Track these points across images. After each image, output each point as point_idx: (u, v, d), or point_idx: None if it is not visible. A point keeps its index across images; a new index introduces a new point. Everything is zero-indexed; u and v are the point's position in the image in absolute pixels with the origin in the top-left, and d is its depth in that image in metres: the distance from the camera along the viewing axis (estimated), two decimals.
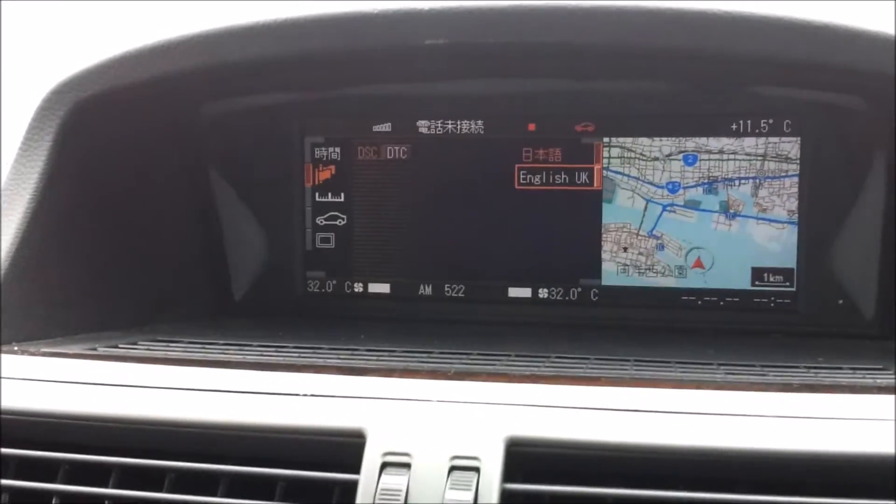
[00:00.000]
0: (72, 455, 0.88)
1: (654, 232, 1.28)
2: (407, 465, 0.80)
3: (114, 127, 1.15)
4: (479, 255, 1.33)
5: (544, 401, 0.85)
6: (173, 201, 1.30)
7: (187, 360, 1.01)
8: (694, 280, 1.28)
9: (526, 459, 0.81)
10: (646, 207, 1.28)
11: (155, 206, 1.26)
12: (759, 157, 1.25)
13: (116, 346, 1.08)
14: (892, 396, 0.84)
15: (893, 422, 0.79)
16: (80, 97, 1.08)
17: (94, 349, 1.05)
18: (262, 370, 0.95)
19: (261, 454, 0.85)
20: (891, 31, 0.97)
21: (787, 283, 1.25)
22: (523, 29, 1.01)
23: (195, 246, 1.34)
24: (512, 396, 0.86)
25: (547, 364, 1.00)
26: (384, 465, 0.81)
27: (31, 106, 1.10)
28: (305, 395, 0.88)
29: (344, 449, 0.83)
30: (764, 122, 1.24)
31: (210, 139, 1.32)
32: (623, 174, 1.28)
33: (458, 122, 1.32)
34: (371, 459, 0.81)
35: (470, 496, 0.78)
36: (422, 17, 1.02)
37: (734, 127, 1.25)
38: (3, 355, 0.99)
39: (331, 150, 1.35)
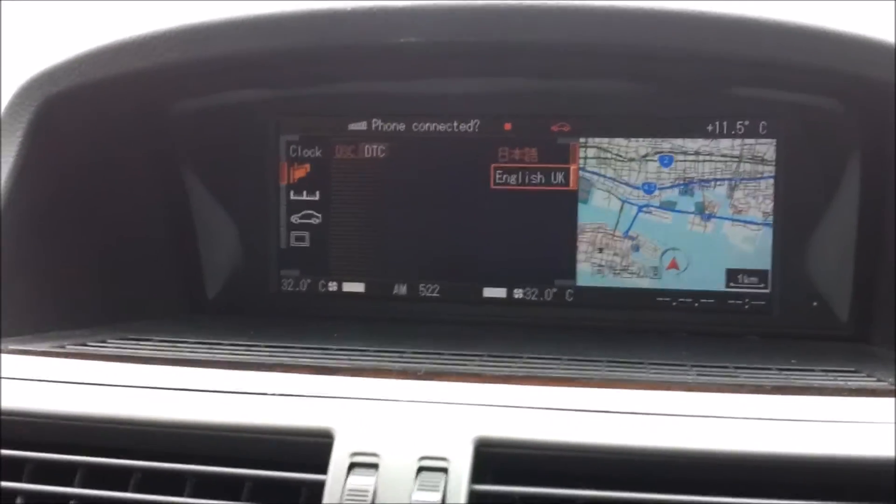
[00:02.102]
0: (36, 454, 0.87)
1: (630, 233, 1.28)
2: (374, 466, 0.80)
3: (85, 123, 1.14)
4: (454, 254, 1.33)
5: (514, 401, 0.84)
6: (145, 198, 1.29)
7: (156, 358, 1.01)
8: (669, 281, 1.28)
9: (495, 460, 0.81)
10: (621, 208, 1.28)
11: (127, 203, 1.25)
12: (735, 159, 1.24)
13: (85, 344, 1.07)
14: (864, 399, 0.84)
15: (864, 424, 0.79)
16: (50, 92, 1.07)
17: (62, 347, 1.04)
18: (231, 369, 0.95)
19: (228, 454, 0.85)
20: (867, 33, 0.97)
21: (762, 285, 1.25)
22: (498, 27, 1.01)
23: (167, 243, 1.33)
24: (482, 397, 0.85)
25: (519, 364, 1.00)
26: (352, 466, 0.80)
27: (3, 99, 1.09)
28: (273, 394, 0.87)
29: (312, 449, 0.82)
30: (740, 124, 1.24)
31: (183, 136, 1.31)
32: (599, 174, 1.28)
33: (435, 122, 1.31)
34: (338, 459, 0.81)
35: (438, 497, 0.77)
36: (397, 14, 1.01)
37: (710, 128, 1.25)
38: None
39: (306, 148, 1.34)
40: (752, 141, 1.24)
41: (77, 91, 1.08)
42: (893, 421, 0.79)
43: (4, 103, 1.09)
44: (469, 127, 1.31)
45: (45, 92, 1.08)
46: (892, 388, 0.91)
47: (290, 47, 1.06)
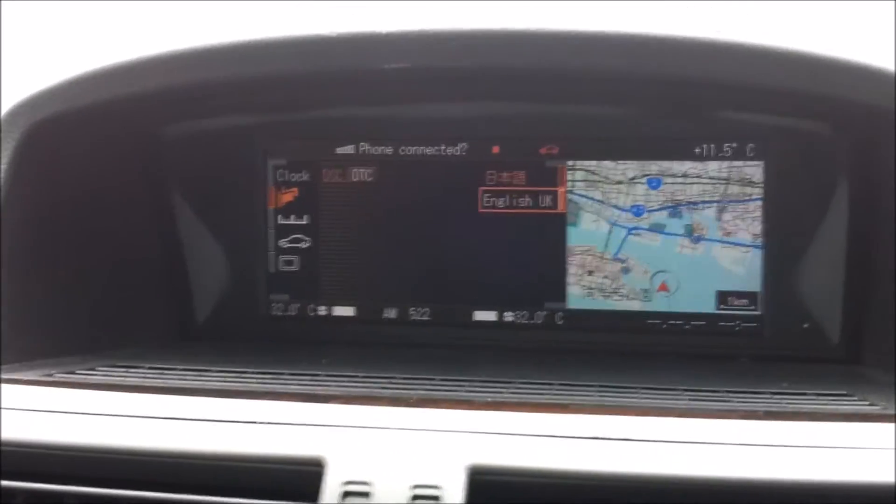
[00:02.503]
0: (27, 484, 0.86)
1: (619, 255, 1.28)
2: (367, 494, 0.79)
3: (71, 149, 1.14)
4: (443, 278, 1.32)
5: (507, 428, 0.84)
6: (133, 224, 1.28)
7: (145, 386, 1.00)
8: (659, 303, 1.27)
9: (488, 488, 0.80)
10: (610, 231, 1.28)
11: (114, 228, 1.25)
12: (723, 181, 1.25)
13: (73, 372, 1.06)
14: (856, 424, 0.84)
15: (857, 450, 0.79)
16: (34, 119, 1.07)
17: (51, 375, 1.04)
18: (221, 397, 0.94)
19: (219, 483, 0.84)
20: (854, 58, 0.97)
21: (752, 307, 1.25)
22: (485, 53, 1.01)
23: (156, 269, 1.33)
24: (474, 424, 0.85)
25: (510, 390, 1.00)
26: (344, 494, 0.79)
27: None
28: (264, 422, 0.87)
29: (303, 477, 0.82)
30: (727, 146, 1.24)
31: (171, 161, 1.31)
32: (587, 197, 1.28)
33: (422, 145, 1.31)
34: (331, 488, 0.80)
35: None
36: (382, 41, 1.01)
37: (698, 151, 1.25)
38: None
39: (294, 172, 1.34)
40: (739, 163, 1.24)
41: (63, 117, 1.08)
42: (893, 446, 0.79)
43: None
44: (457, 150, 1.31)
45: (30, 119, 1.07)
46: (887, 412, 0.90)
47: (277, 73, 1.06)
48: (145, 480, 0.85)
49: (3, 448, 0.88)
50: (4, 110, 1.08)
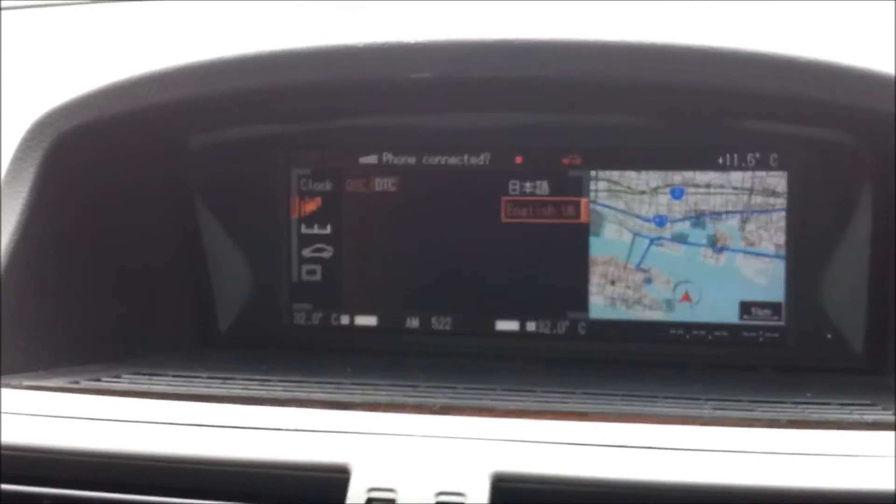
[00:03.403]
0: (53, 490, 0.87)
1: (642, 265, 1.28)
2: (392, 501, 0.80)
3: (98, 158, 1.14)
4: (466, 287, 1.33)
5: (530, 436, 0.84)
6: (158, 232, 1.29)
7: (170, 393, 1.01)
8: (682, 314, 1.27)
9: (512, 495, 0.80)
10: (633, 241, 1.28)
11: (139, 237, 1.26)
12: (746, 191, 1.24)
13: (99, 380, 1.07)
14: (880, 433, 0.84)
15: (881, 458, 0.79)
16: (63, 129, 1.08)
17: (77, 382, 1.04)
18: (246, 404, 0.94)
19: (244, 489, 0.85)
20: (879, 67, 0.97)
21: (776, 317, 1.25)
22: (508, 63, 1.01)
23: (180, 277, 1.33)
24: (498, 431, 0.85)
25: (533, 399, 1.00)
26: (369, 501, 0.80)
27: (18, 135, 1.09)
28: (289, 429, 0.87)
29: (328, 484, 0.82)
30: (751, 157, 1.24)
31: (196, 170, 1.32)
32: (610, 207, 1.28)
33: (445, 155, 1.31)
34: (355, 495, 0.80)
35: None
36: (408, 50, 1.02)
37: (721, 161, 1.25)
38: None
39: (317, 181, 1.35)
40: (763, 173, 1.24)
41: (90, 127, 1.09)
42: None
43: (18, 136, 1.09)
44: (480, 160, 1.31)
45: (57, 129, 1.08)
46: None
47: (303, 83, 1.07)
48: (171, 487, 0.86)
49: (29, 454, 0.89)
50: (34, 119, 1.09)
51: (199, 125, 1.26)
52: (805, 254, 1.23)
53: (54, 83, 1.12)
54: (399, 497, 0.79)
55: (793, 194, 1.23)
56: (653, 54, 1.00)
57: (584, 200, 1.28)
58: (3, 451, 0.89)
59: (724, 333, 1.26)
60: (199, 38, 1.11)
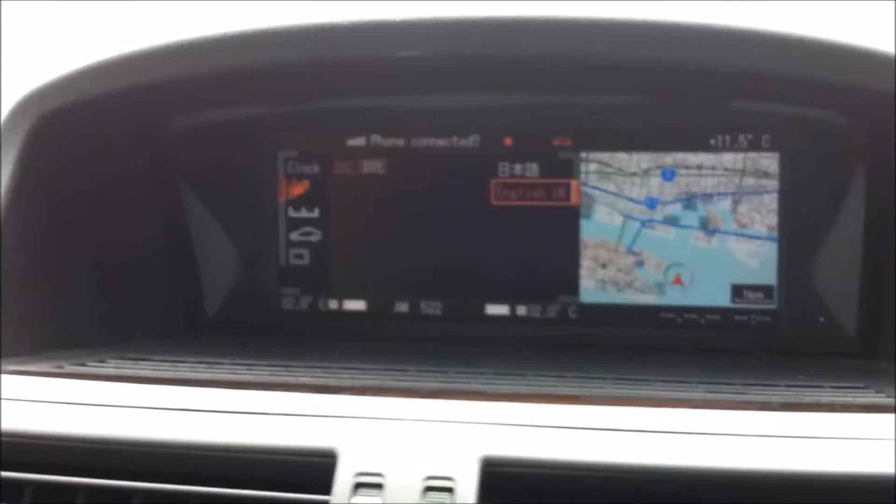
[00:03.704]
0: (37, 475, 0.86)
1: (633, 248, 1.27)
2: (379, 486, 0.79)
3: (80, 140, 1.13)
4: (455, 271, 1.32)
5: (520, 419, 0.83)
6: (143, 216, 1.28)
7: (156, 378, 1.00)
8: (673, 297, 1.26)
9: (502, 479, 0.79)
10: (624, 223, 1.27)
11: (124, 220, 1.24)
12: (738, 173, 1.23)
13: (84, 364, 1.05)
14: (874, 415, 0.83)
15: (875, 441, 0.78)
16: (44, 110, 1.06)
17: (61, 367, 1.03)
18: (232, 388, 0.93)
19: (230, 474, 0.84)
20: (870, 45, 0.96)
21: (768, 300, 1.24)
22: (497, 41, 1.00)
23: (166, 261, 1.32)
24: (487, 415, 0.84)
25: (523, 382, 0.99)
26: (356, 486, 0.79)
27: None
28: (275, 413, 0.86)
29: (315, 469, 0.81)
30: (742, 138, 1.23)
31: (180, 153, 1.30)
32: (601, 189, 1.27)
33: (434, 137, 1.30)
34: (343, 479, 0.79)
35: None
36: (393, 28, 1.00)
37: (712, 142, 1.24)
38: None
39: (304, 164, 1.33)
40: (755, 154, 1.23)
41: (73, 108, 1.07)
42: None
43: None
44: (469, 142, 1.30)
45: (40, 109, 1.07)
46: None
47: (287, 62, 1.05)
48: (156, 472, 0.85)
49: (12, 439, 0.88)
50: (13, 102, 1.07)
51: (182, 107, 1.24)
52: (798, 236, 1.22)
53: (31, 66, 1.11)
54: (387, 482, 0.78)
55: (785, 176, 1.22)
56: (643, 31, 0.98)
57: (574, 183, 1.27)
58: None
59: (716, 317, 1.25)
60: (180, 16, 1.10)
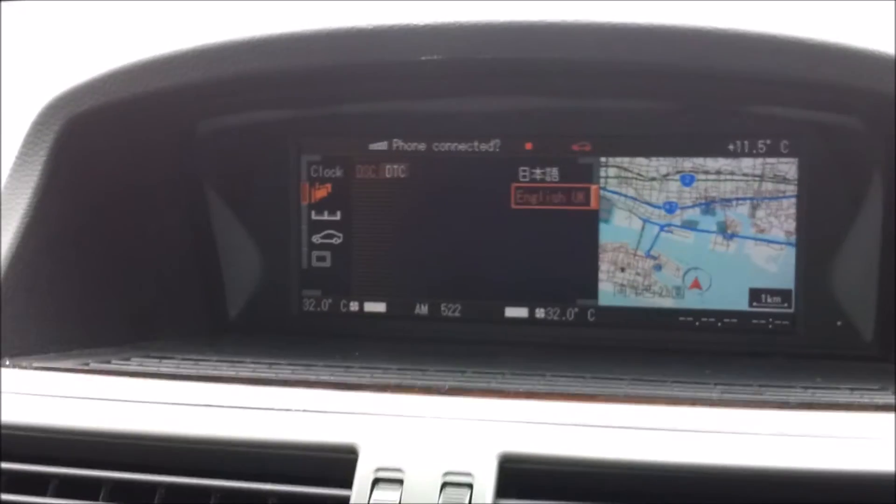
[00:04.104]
0: (62, 469, 0.87)
1: (652, 252, 1.28)
2: (399, 481, 0.80)
3: (108, 143, 1.15)
4: (475, 274, 1.33)
5: (538, 417, 0.84)
6: (168, 217, 1.29)
7: (179, 375, 1.01)
8: (691, 301, 1.27)
9: (519, 476, 0.80)
10: (643, 227, 1.28)
11: (149, 222, 1.26)
12: (757, 178, 1.24)
13: (109, 362, 1.07)
14: (892, 415, 0.83)
15: (893, 440, 0.79)
16: (73, 112, 1.08)
17: (87, 364, 1.05)
18: (255, 385, 0.95)
19: (252, 469, 0.85)
20: (889, 50, 0.97)
21: (786, 305, 1.24)
22: (518, 45, 1.01)
23: (189, 263, 1.33)
24: (505, 413, 0.85)
25: (541, 382, 1.00)
26: (376, 481, 0.80)
27: (28, 118, 1.10)
28: (297, 410, 0.87)
29: (336, 464, 0.82)
30: (761, 143, 1.24)
31: (205, 156, 1.32)
32: (620, 194, 1.28)
33: (455, 141, 1.31)
34: (363, 475, 0.81)
35: None
36: (417, 33, 1.01)
37: (731, 147, 1.25)
38: None
39: (327, 168, 1.35)
40: (773, 160, 1.24)
41: (100, 111, 1.09)
42: None
43: (28, 121, 1.09)
44: (490, 146, 1.31)
45: (68, 112, 1.08)
46: None
47: (313, 67, 1.06)
48: (179, 467, 0.86)
49: (39, 434, 0.89)
50: (44, 104, 1.09)
51: (208, 110, 1.26)
52: (815, 241, 1.23)
53: (61, 69, 1.12)
54: (406, 477, 0.80)
55: (803, 181, 1.23)
56: (663, 37, 0.99)
57: (594, 187, 1.28)
58: (13, 432, 0.89)
59: (734, 320, 1.26)
60: (207, 21, 1.11)
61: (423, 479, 0.80)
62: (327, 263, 1.36)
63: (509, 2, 1.02)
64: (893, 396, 0.94)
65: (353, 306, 1.36)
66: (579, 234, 1.29)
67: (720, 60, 0.99)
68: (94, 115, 1.09)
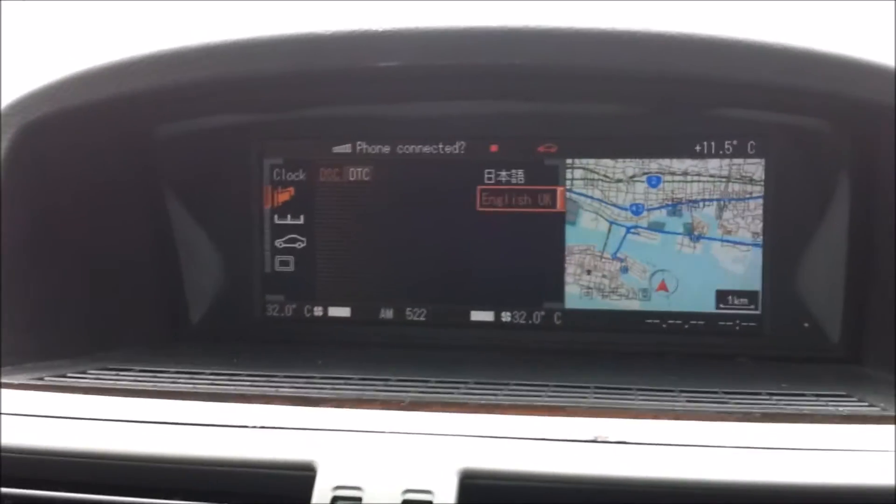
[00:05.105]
0: (14, 489, 0.85)
1: (618, 254, 1.27)
2: (358, 500, 0.78)
3: (62, 150, 1.12)
4: (441, 278, 1.31)
5: (500, 432, 0.83)
6: (127, 223, 1.27)
7: (136, 390, 0.99)
8: (658, 303, 1.26)
9: (481, 492, 0.79)
10: (609, 230, 1.27)
11: (108, 228, 1.24)
12: (724, 179, 1.23)
13: (64, 376, 1.05)
14: (853, 426, 0.83)
15: (855, 452, 0.78)
16: (26, 120, 1.06)
17: (41, 379, 1.03)
18: (212, 401, 0.93)
19: (209, 487, 0.83)
20: (855, 55, 0.96)
21: (752, 306, 1.24)
22: (480, 51, 1.00)
23: (150, 269, 1.32)
24: (467, 427, 0.84)
25: (505, 392, 0.98)
26: (334, 500, 0.79)
27: None
28: (254, 426, 0.86)
29: (294, 482, 0.81)
30: (728, 144, 1.23)
31: (165, 161, 1.30)
32: (586, 196, 1.26)
33: (420, 144, 1.30)
34: (321, 493, 0.79)
35: None
36: (374, 38, 1.00)
37: (698, 148, 1.24)
38: None
39: (290, 171, 1.33)
40: (740, 161, 1.23)
41: (55, 118, 1.07)
42: (893, 448, 0.78)
43: None
44: (455, 149, 1.30)
45: (20, 119, 1.06)
46: (887, 414, 0.89)
47: (272, 71, 1.05)
48: (135, 486, 0.84)
49: None
50: None
51: (167, 115, 1.24)
52: (782, 242, 1.22)
53: (14, 75, 1.10)
54: (365, 496, 0.78)
55: (770, 182, 1.22)
56: (627, 41, 0.98)
57: (559, 189, 1.27)
58: None
59: (701, 322, 1.25)
60: (164, 26, 1.09)
61: (382, 497, 0.78)
62: (291, 268, 1.35)
63: (470, 4, 1.01)
64: (858, 405, 0.93)
65: (318, 311, 1.34)
66: (545, 237, 1.28)
67: (685, 65, 0.99)
68: (48, 123, 1.07)
